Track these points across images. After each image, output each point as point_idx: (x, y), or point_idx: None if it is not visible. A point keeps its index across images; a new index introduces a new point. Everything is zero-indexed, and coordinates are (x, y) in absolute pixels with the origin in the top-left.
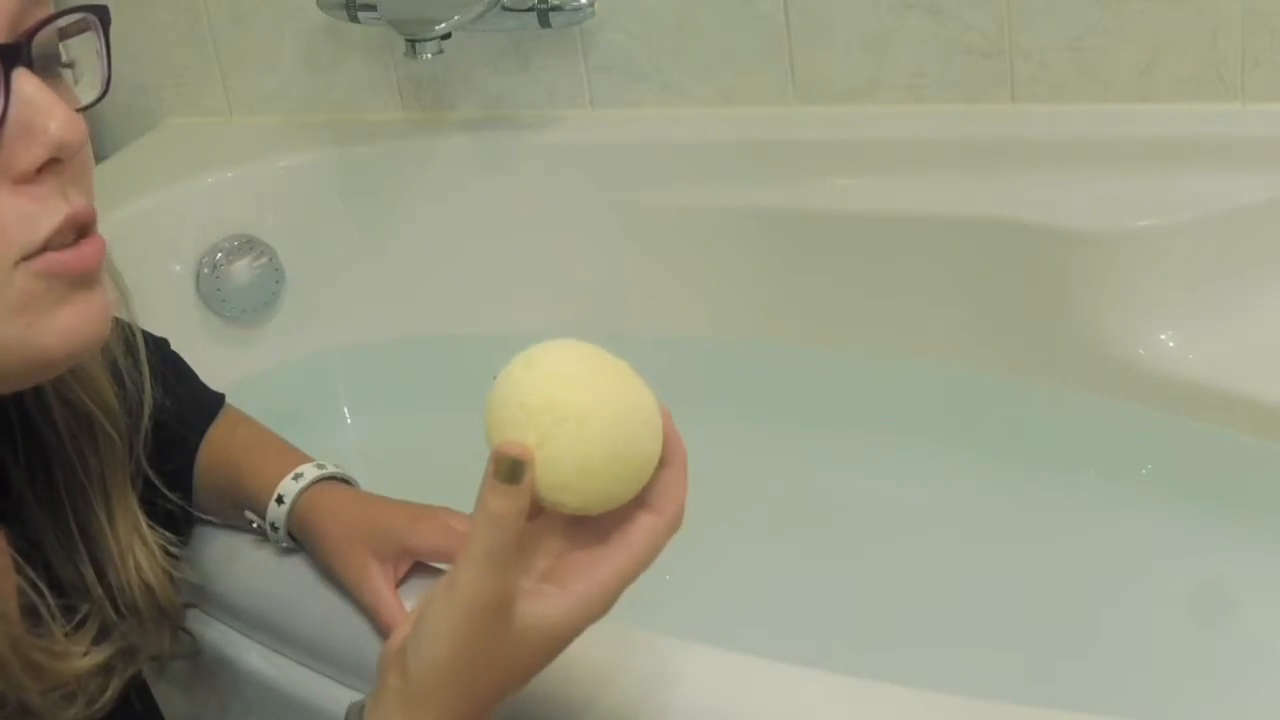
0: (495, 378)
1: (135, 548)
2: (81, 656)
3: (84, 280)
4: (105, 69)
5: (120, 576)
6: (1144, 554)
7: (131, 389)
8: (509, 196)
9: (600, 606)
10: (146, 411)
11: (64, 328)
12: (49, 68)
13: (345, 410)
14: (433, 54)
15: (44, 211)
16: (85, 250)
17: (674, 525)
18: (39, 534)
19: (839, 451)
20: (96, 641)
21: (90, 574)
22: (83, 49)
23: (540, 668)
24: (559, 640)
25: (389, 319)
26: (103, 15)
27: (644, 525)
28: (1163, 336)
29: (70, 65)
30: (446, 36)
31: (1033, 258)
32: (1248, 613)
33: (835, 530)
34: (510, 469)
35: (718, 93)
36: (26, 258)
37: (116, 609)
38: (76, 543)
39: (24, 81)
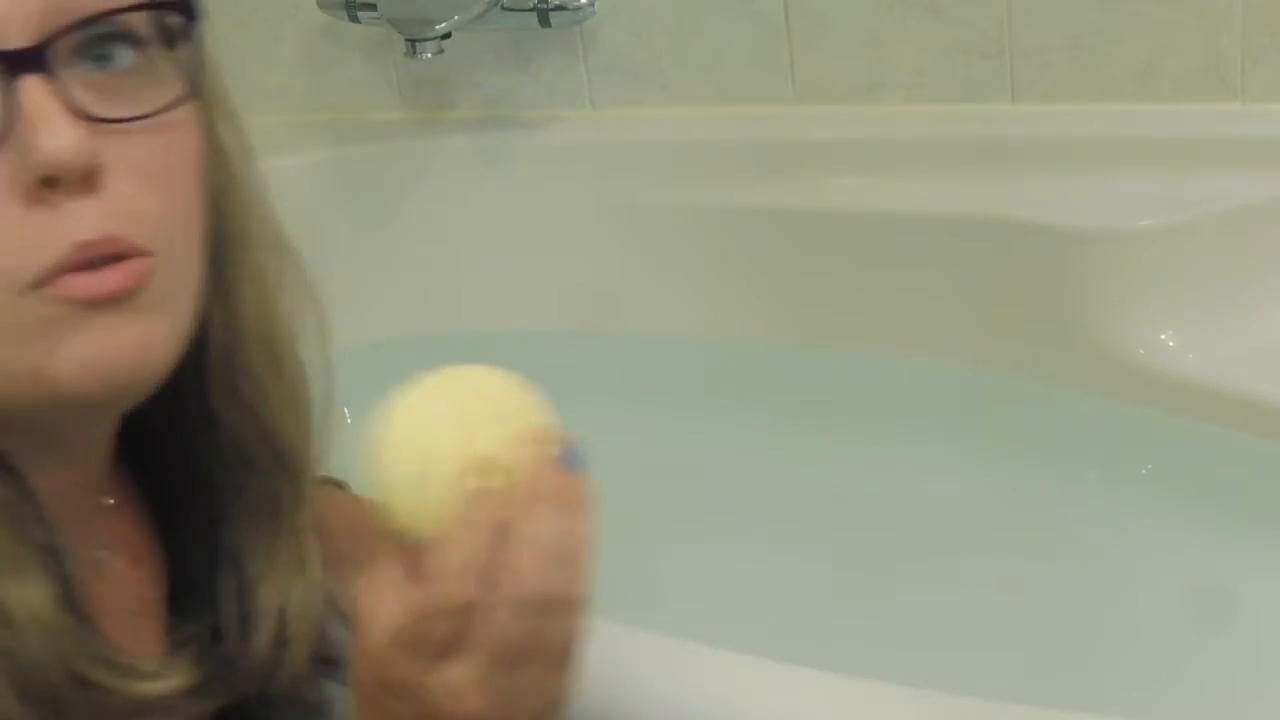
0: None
1: (293, 582)
2: (164, 680)
3: (108, 306)
4: (193, 72)
5: (261, 603)
6: (1144, 554)
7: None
8: (509, 196)
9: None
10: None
11: (85, 360)
12: (102, 62)
13: (345, 410)
14: (433, 54)
15: (47, 235)
16: (106, 275)
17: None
18: (180, 543)
19: (839, 451)
20: (195, 665)
21: (223, 590)
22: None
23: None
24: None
25: (388, 318)
26: (188, 10)
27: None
28: (1163, 336)
29: (135, 64)
30: (446, 36)
31: (1033, 258)
32: (1248, 613)
33: (835, 530)
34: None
35: (718, 93)
36: (38, 284)
37: (232, 635)
38: (222, 559)
39: (31, 91)
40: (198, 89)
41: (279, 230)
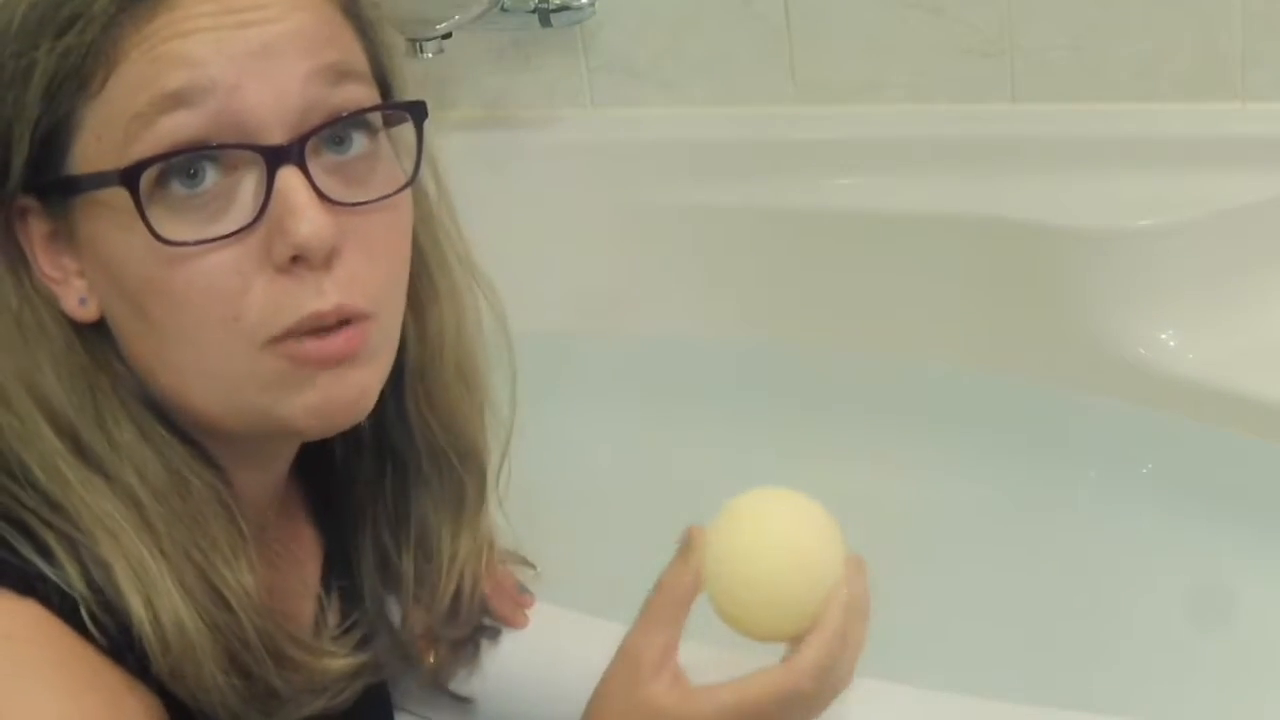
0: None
1: (470, 566)
2: (340, 658)
3: (335, 365)
4: (415, 162)
5: (441, 585)
6: (1144, 554)
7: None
8: (509, 195)
9: (746, 710)
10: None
11: (309, 406)
12: (339, 146)
13: None
14: (433, 53)
15: (289, 300)
16: (333, 341)
17: (796, 680)
18: (354, 529)
19: (839, 451)
20: (358, 648)
21: (401, 574)
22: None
23: None
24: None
25: None
26: (418, 112)
27: (773, 668)
28: (1163, 336)
29: (369, 152)
30: (447, 36)
31: (1033, 257)
32: (1248, 612)
33: None
34: (683, 542)
35: (718, 92)
36: (274, 340)
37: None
38: (403, 545)
39: (286, 181)
40: (418, 172)
41: (468, 253)
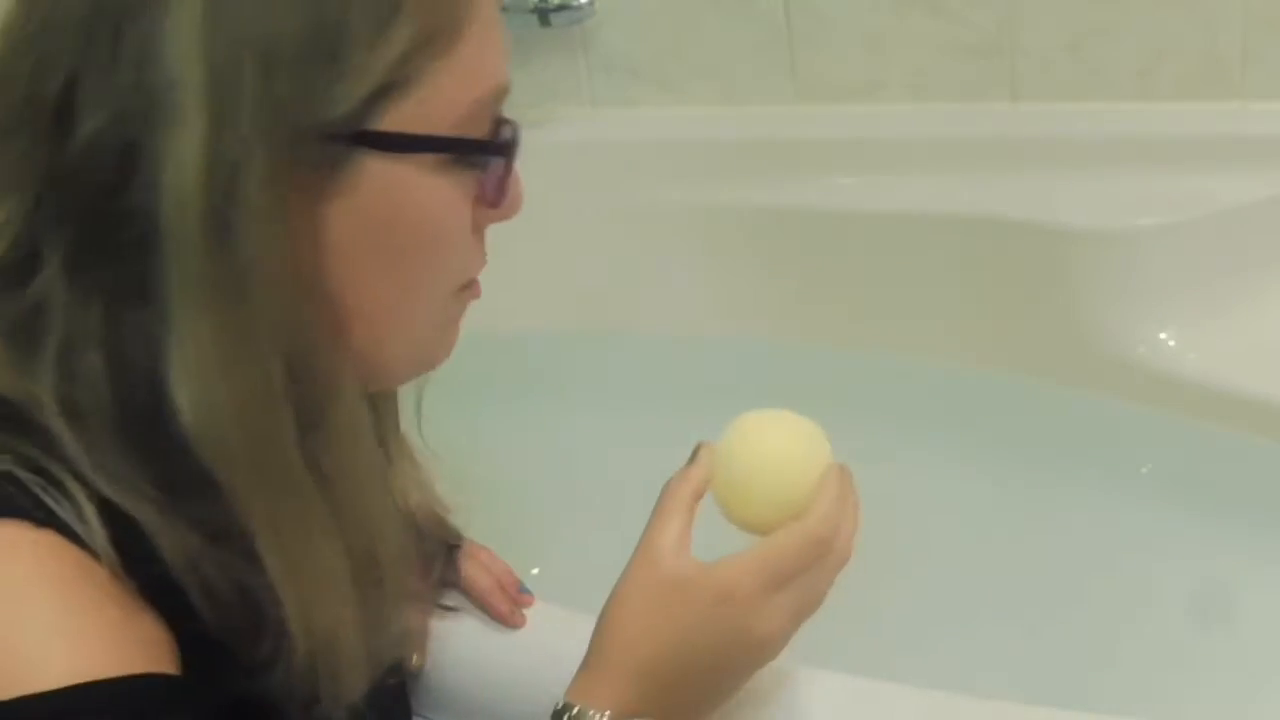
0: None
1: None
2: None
3: None
4: (498, 189)
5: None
6: (1144, 554)
7: None
8: None
9: (767, 571)
10: None
11: (447, 346)
12: None
13: None
14: None
15: (478, 259)
16: (479, 285)
17: (813, 527)
18: None
19: (839, 451)
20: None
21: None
22: None
23: (732, 652)
24: (736, 600)
25: None
26: (508, 150)
27: (790, 525)
28: (1163, 336)
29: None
30: None
31: (1033, 257)
32: (1248, 612)
33: None
34: (692, 454)
35: (718, 92)
36: (463, 288)
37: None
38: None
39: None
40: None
41: None
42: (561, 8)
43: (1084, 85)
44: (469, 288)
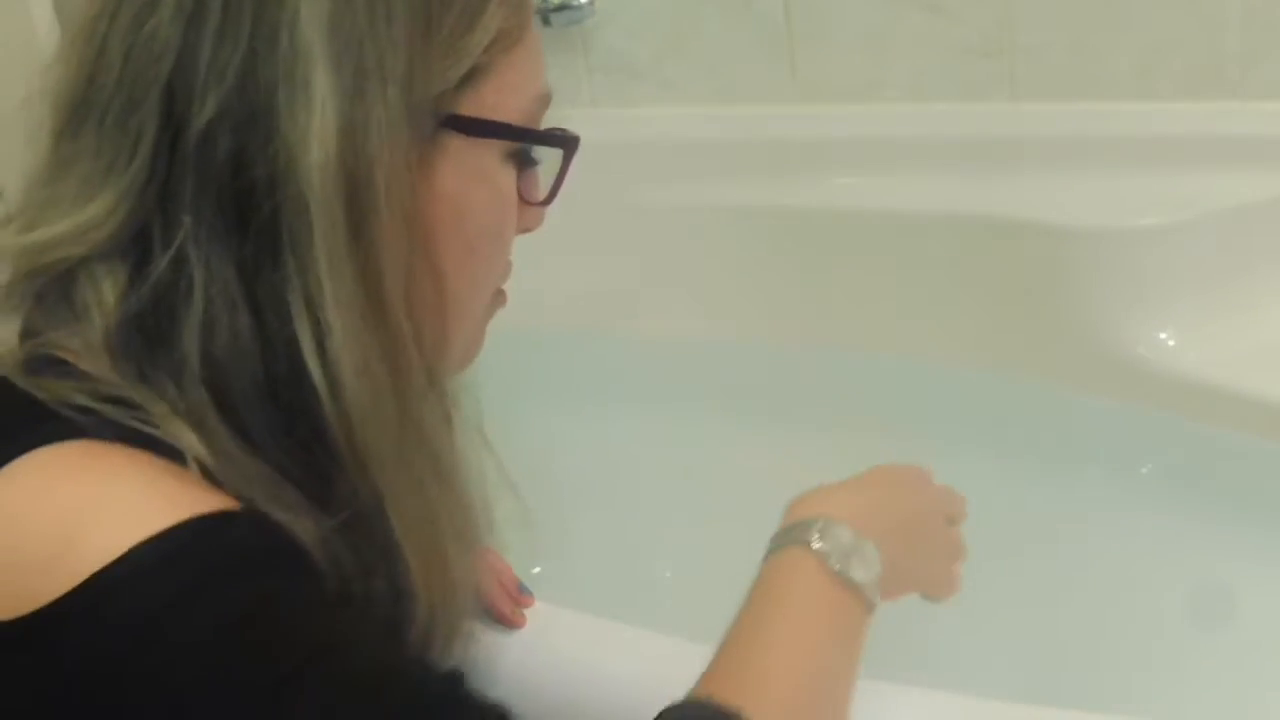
0: None
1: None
2: None
3: None
4: (558, 182)
5: None
6: (1144, 553)
7: None
8: None
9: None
10: None
11: (478, 344)
12: None
13: None
14: None
15: (509, 260)
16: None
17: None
18: None
19: (839, 451)
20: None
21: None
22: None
23: (929, 526)
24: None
25: None
26: (571, 146)
27: None
28: (1163, 336)
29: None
30: None
31: (1033, 257)
32: (1248, 612)
33: None
34: None
35: (718, 91)
36: (498, 291)
37: None
38: None
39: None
40: (555, 195)
41: None
42: (561, 8)
43: (1084, 85)
44: (501, 294)
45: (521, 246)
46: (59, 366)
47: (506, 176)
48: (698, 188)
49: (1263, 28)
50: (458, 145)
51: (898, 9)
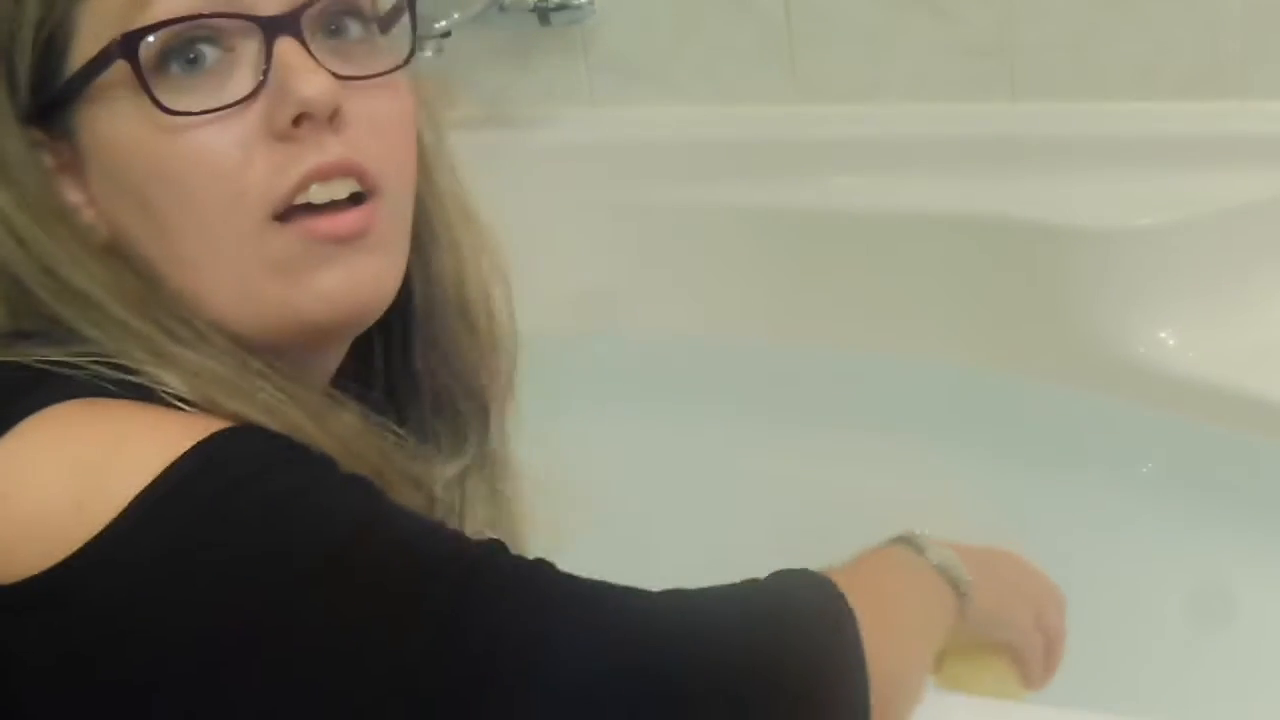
0: None
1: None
2: (444, 464)
3: (349, 244)
4: (410, 39)
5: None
6: (1144, 553)
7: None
8: (508, 195)
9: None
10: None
11: (323, 292)
12: (335, 34)
13: None
14: (432, 52)
15: (292, 162)
16: (345, 216)
17: None
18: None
19: (839, 451)
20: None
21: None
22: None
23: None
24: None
25: None
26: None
27: None
28: (1163, 335)
29: (367, 36)
30: (446, 35)
31: (1033, 257)
32: (1248, 612)
33: (835, 529)
34: None
35: (718, 91)
36: (280, 216)
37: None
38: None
39: (285, 49)
40: (411, 56)
41: (471, 206)
42: (561, 8)
43: (1084, 85)
44: (296, 215)
45: (521, 246)
46: (26, 338)
47: (127, 109)
48: (697, 188)
49: (1263, 28)
50: (80, 118)
51: (898, 9)
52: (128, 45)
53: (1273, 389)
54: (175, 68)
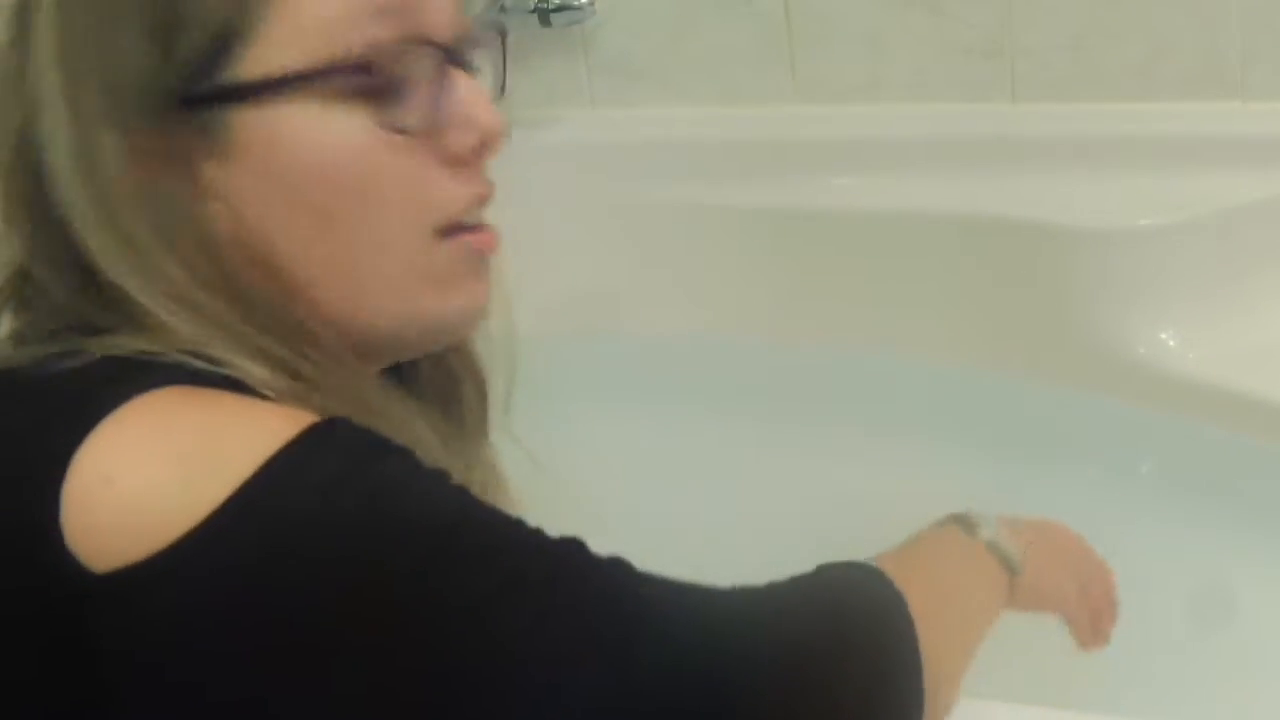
0: None
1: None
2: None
3: (488, 260)
4: (502, 76)
5: None
6: (1143, 553)
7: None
8: (508, 196)
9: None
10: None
11: (465, 304)
12: (470, 68)
13: None
14: None
15: (467, 184)
16: (492, 234)
17: None
18: None
19: (839, 451)
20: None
21: None
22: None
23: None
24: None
25: None
26: (504, 31)
27: None
28: (1163, 336)
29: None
30: None
31: (1033, 257)
32: (1248, 613)
33: (835, 529)
34: None
35: (718, 92)
36: (443, 231)
37: None
38: None
39: (458, 77)
40: (504, 89)
41: None
42: (561, 8)
43: (1084, 85)
44: (457, 232)
45: (521, 246)
46: (108, 331)
47: (340, 117)
48: (697, 188)
49: (1263, 28)
50: (248, 117)
51: (898, 9)
52: (359, 68)
53: (1273, 390)
54: (390, 85)
